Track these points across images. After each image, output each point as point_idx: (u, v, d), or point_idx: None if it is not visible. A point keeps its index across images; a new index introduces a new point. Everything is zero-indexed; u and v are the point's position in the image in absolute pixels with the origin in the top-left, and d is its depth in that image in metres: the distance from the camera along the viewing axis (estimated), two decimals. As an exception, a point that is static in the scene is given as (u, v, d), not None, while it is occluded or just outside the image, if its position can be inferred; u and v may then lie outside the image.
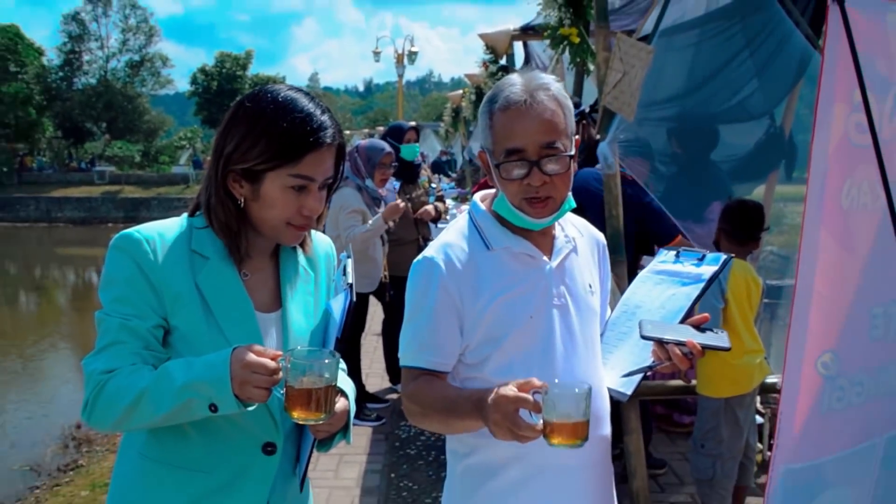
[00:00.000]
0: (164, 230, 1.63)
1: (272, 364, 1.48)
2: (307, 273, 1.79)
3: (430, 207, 6.01)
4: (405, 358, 1.81)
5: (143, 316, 1.56)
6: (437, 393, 1.74)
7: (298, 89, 1.67)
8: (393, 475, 4.65)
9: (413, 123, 6.31)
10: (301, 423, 1.52)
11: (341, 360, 1.59)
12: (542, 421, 1.49)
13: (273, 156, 1.57)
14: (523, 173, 1.71)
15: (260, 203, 1.62)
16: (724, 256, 1.80)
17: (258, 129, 1.58)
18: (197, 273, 1.60)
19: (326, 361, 1.48)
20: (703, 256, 1.82)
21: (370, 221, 5.05)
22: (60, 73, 50.54)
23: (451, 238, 1.83)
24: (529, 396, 1.52)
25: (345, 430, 1.72)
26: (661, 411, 5.35)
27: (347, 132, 33.28)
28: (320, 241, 1.87)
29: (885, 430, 2.27)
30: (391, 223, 5.17)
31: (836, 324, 2.08)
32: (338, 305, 1.70)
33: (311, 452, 1.70)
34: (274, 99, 1.61)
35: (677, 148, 4.55)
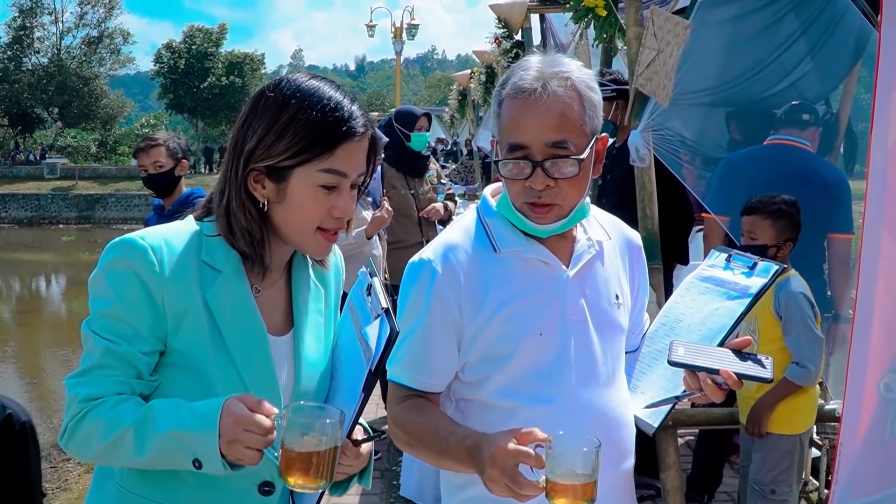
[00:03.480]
0: (171, 237, 1.63)
1: (267, 422, 1.46)
2: (318, 289, 1.80)
3: (438, 206, 5.74)
4: (393, 371, 1.81)
5: (136, 338, 1.57)
6: (428, 425, 1.75)
7: (322, 77, 1.69)
8: (391, 518, 4.63)
9: (424, 110, 6.03)
10: (298, 490, 1.49)
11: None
12: (544, 477, 1.49)
13: (302, 149, 1.59)
14: (526, 174, 1.69)
15: (285, 205, 1.63)
16: (774, 266, 1.80)
17: (283, 119, 1.59)
18: (206, 288, 1.61)
19: (329, 421, 1.45)
20: (755, 264, 1.82)
21: (353, 232, 4.85)
22: (8, 53, 50.52)
23: (453, 237, 1.82)
24: (531, 451, 1.52)
25: (362, 472, 1.72)
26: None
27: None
28: None
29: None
30: (390, 220, 5.07)
31: (900, 340, 2.10)
32: (374, 333, 1.60)
33: (322, 496, 1.66)
34: (298, 87, 1.63)
35: (736, 134, 4.56)
